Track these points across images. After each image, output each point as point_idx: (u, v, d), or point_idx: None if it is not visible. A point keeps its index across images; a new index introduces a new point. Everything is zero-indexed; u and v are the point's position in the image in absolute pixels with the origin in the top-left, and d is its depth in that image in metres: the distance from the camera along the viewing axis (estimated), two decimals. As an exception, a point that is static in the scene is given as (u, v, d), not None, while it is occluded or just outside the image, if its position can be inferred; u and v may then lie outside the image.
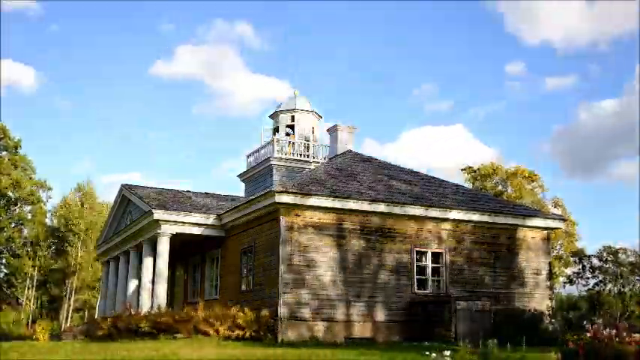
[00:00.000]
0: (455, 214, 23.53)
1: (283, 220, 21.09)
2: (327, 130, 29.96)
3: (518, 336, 18.79)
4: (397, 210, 22.62)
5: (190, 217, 24.86)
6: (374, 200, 22.39)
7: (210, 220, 25.04)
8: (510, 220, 24.57)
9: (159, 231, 24.63)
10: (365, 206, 22.15)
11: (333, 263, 21.60)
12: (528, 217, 25.14)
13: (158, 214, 24.35)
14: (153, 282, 25.17)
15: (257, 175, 31.85)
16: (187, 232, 25.13)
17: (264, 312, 20.61)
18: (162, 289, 24.54)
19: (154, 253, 25.42)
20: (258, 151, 32.86)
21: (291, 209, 21.24)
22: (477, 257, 23.91)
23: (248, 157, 33.62)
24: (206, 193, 30.86)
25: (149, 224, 25.38)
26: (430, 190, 25.08)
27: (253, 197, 22.74)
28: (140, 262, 27.52)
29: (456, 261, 23.54)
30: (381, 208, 22.39)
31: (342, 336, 21.07)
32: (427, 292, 22.91)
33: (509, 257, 24.42)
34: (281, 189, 21.29)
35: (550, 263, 25.34)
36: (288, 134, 32.14)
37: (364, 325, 21.68)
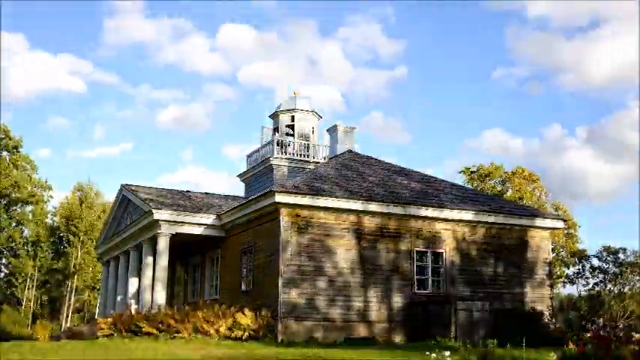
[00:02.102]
0: (455, 214, 23.52)
1: (283, 220, 21.09)
2: (327, 130, 29.97)
3: (519, 336, 18.83)
4: (397, 210, 22.61)
5: (190, 217, 24.83)
6: (374, 200, 22.38)
7: (210, 220, 25.03)
8: (511, 220, 24.55)
9: (159, 231, 24.60)
10: (365, 206, 22.13)
11: (333, 263, 21.59)
12: (529, 217, 25.14)
13: (158, 214, 24.33)
14: (153, 282, 25.19)
15: (257, 175, 31.84)
16: (187, 232, 25.09)
17: (264, 312, 20.62)
18: (162, 289, 24.55)
19: (154, 253, 25.43)
20: (258, 151, 32.88)
21: (291, 209, 21.23)
22: (477, 257, 23.90)
23: (248, 157, 33.62)
24: (206, 192, 30.90)
25: (149, 224, 25.37)
26: (430, 190, 25.08)
27: (253, 197, 22.74)
28: (140, 262, 27.52)
29: (456, 261, 23.52)
30: (381, 208, 22.38)
31: (343, 336, 21.06)
32: (427, 292, 22.89)
33: (509, 257, 24.38)
34: (281, 189, 21.29)
35: (550, 263, 25.33)
36: (288, 134, 32.13)
37: (364, 325, 21.67)
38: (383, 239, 22.50)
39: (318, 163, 30.50)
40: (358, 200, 22.07)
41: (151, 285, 25.66)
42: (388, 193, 23.56)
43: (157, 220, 24.42)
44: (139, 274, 27.20)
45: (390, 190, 23.99)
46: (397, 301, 22.29)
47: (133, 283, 27.87)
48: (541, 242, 25.10)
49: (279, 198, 20.92)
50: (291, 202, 21.12)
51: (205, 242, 26.64)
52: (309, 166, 30.36)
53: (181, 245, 27.61)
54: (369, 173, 25.59)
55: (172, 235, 24.84)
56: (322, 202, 21.52)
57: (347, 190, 22.70)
